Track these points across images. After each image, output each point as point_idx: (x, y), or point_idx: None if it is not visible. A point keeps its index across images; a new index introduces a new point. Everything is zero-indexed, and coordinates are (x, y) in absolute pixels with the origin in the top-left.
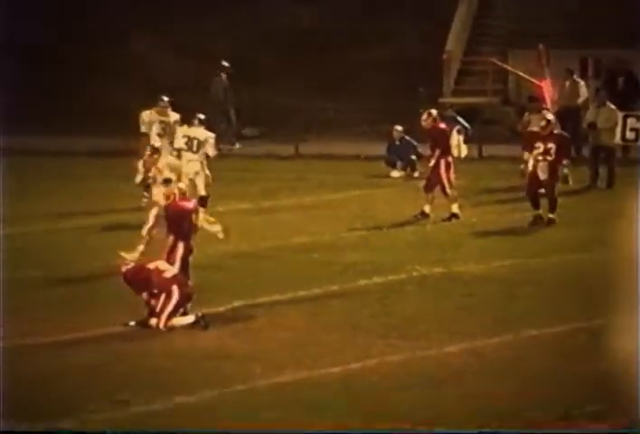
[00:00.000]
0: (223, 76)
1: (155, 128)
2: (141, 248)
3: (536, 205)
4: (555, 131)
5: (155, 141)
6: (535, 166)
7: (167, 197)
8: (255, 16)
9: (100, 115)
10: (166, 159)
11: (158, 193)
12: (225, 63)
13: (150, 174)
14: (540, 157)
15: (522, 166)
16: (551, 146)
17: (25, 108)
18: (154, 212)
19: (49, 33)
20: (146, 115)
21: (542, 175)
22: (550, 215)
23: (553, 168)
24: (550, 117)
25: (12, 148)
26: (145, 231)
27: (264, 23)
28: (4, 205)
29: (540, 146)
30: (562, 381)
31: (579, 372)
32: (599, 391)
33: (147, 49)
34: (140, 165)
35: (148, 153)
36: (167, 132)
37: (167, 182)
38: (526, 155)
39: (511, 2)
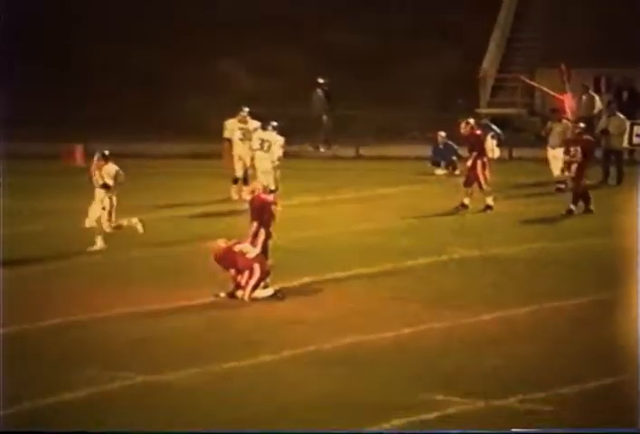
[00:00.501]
0: (320, 91)
1: (237, 134)
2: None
3: (574, 201)
4: (585, 137)
5: (237, 146)
6: (569, 165)
7: (252, 191)
8: (321, 42)
9: (190, 124)
10: (247, 160)
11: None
12: (321, 80)
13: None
14: (572, 159)
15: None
16: (579, 148)
17: (130, 118)
18: None
19: (140, 54)
20: (229, 123)
21: (574, 173)
22: (589, 206)
23: (580, 169)
24: (582, 125)
25: (120, 153)
26: None
27: (330, 46)
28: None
29: (574, 148)
30: (578, 342)
31: (592, 335)
32: (608, 349)
33: (232, 69)
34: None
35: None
36: (247, 137)
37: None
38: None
39: (537, 28)
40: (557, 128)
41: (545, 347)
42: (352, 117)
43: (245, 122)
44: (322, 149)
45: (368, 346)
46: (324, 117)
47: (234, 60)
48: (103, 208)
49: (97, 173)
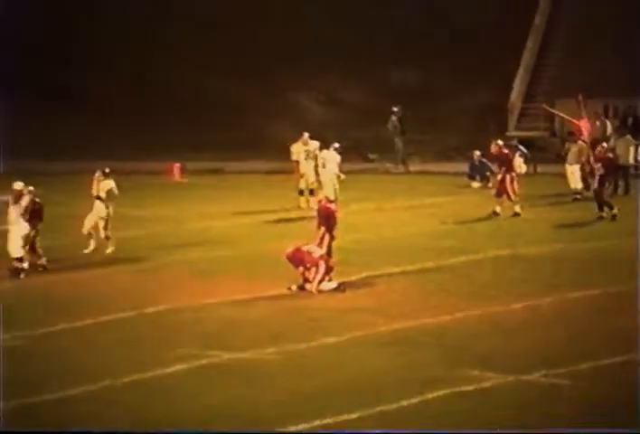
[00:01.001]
0: (394, 117)
1: (302, 155)
2: None
3: (601, 208)
4: (607, 155)
5: (302, 165)
6: (593, 178)
7: (319, 201)
8: (380, 78)
9: (270, 145)
10: (310, 176)
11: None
12: (395, 109)
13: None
14: (596, 172)
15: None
16: (600, 164)
17: (221, 141)
18: None
19: (232, 87)
20: (295, 147)
21: (596, 185)
22: (610, 212)
23: (602, 180)
24: (606, 145)
25: (212, 169)
26: None
27: (386, 82)
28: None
29: (597, 165)
30: (594, 327)
31: (606, 321)
32: (619, 333)
33: (305, 100)
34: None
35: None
36: (310, 156)
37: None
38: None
39: (555, 65)
40: (573, 148)
41: (566, 331)
42: (407, 140)
43: (306, 144)
44: (400, 168)
45: (415, 330)
46: (397, 140)
47: (308, 93)
48: (101, 217)
49: (95, 186)
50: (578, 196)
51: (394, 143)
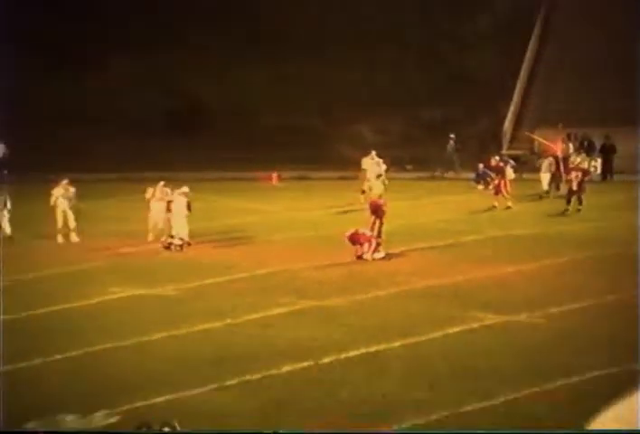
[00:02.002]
0: (451, 141)
1: (367, 165)
2: None
3: (569, 202)
4: (582, 166)
5: (366, 172)
6: (572, 182)
7: (370, 198)
8: (413, 114)
9: (340, 160)
10: (370, 182)
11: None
12: (452, 135)
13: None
14: (574, 179)
15: (567, 182)
16: (580, 173)
17: (305, 157)
18: None
19: (312, 119)
20: (364, 160)
21: (575, 187)
22: (579, 207)
23: (580, 184)
24: (580, 158)
25: (299, 177)
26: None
27: (417, 117)
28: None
29: (575, 173)
30: (565, 280)
31: (572, 279)
32: (593, 286)
33: (363, 129)
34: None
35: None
36: (373, 169)
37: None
38: (570, 176)
39: (533, 103)
40: (545, 162)
41: (543, 286)
42: (431, 157)
43: (373, 158)
44: (448, 173)
45: (439, 286)
46: (454, 157)
47: (364, 125)
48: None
49: (60, 192)
50: (546, 195)
51: (452, 159)
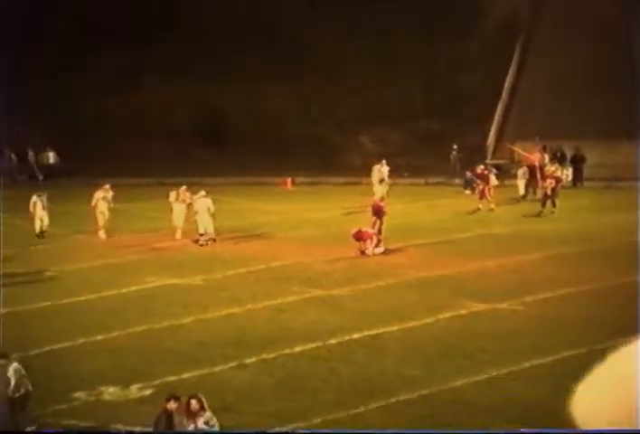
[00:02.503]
0: (454, 152)
1: (377, 172)
2: None
3: (544, 205)
4: (556, 174)
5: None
6: (547, 188)
7: (373, 201)
8: (412, 127)
9: (349, 167)
10: (374, 186)
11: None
12: (455, 146)
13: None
14: (549, 185)
15: (543, 188)
16: (554, 180)
17: (320, 165)
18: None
19: (331, 132)
20: (375, 167)
21: (550, 192)
22: (553, 209)
23: (554, 190)
24: (554, 167)
25: (311, 182)
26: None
27: (417, 129)
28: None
29: (550, 180)
30: (537, 275)
31: (546, 271)
32: (555, 277)
33: (366, 140)
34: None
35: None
36: (376, 175)
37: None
38: (545, 185)
39: (515, 122)
40: (521, 171)
41: (519, 277)
42: (425, 164)
43: (383, 166)
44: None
45: (432, 277)
46: (457, 166)
47: (366, 136)
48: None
49: (100, 195)
50: (522, 199)
51: (455, 167)
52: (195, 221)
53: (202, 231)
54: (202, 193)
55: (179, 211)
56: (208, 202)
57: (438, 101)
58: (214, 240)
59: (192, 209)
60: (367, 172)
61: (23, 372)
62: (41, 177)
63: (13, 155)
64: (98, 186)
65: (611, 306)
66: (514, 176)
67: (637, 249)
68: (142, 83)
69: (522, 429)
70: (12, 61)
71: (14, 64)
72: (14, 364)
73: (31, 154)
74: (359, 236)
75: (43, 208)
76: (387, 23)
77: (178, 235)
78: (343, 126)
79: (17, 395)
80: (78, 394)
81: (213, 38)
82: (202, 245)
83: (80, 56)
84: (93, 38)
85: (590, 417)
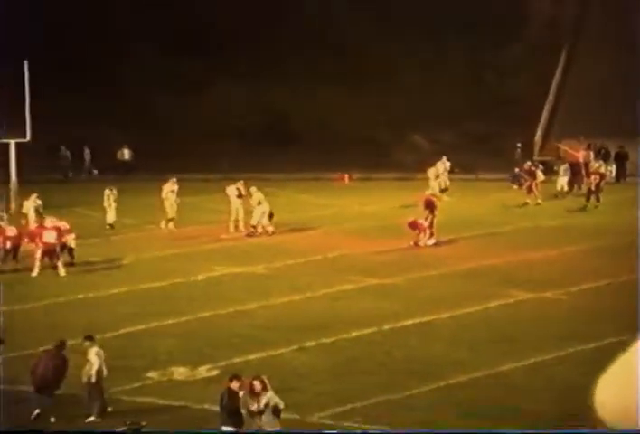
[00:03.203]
0: (518, 150)
1: (436, 169)
2: None
3: (588, 200)
4: (600, 170)
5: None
6: (591, 184)
7: (426, 195)
8: (455, 125)
9: (394, 164)
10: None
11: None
12: (519, 144)
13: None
14: (593, 181)
15: (587, 183)
16: (598, 176)
17: (369, 165)
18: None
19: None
20: (438, 163)
21: (594, 188)
22: (597, 203)
23: (598, 185)
24: (598, 164)
25: (365, 178)
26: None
27: (461, 128)
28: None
29: (594, 176)
30: (582, 266)
31: (591, 263)
32: (604, 269)
33: (415, 138)
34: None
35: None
36: (432, 171)
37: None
38: (590, 181)
39: (560, 121)
40: (562, 167)
41: (564, 268)
42: (475, 162)
43: (444, 163)
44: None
45: (479, 267)
46: (521, 162)
47: (419, 135)
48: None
49: (169, 188)
50: (565, 193)
51: (519, 163)
52: (251, 213)
53: (254, 222)
54: (253, 188)
55: (237, 203)
56: (259, 196)
57: (485, 103)
58: (273, 232)
59: (250, 202)
60: (419, 168)
61: (102, 354)
62: (95, 172)
63: (68, 153)
64: (165, 180)
65: None
66: (557, 173)
67: None
68: (214, 87)
69: (526, 430)
70: (95, 66)
71: (98, 68)
72: (97, 348)
73: (87, 151)
74: (414, 226)
75: (115, 201)
76: (434, 27)
77: (231, 228)
78: (395, 126)
79: (100, 376)
80: (151, 374)
81: (279, 47)
82: (251, 235)
83: (158, 62)
84: (172, 46)
85: (611, 407)
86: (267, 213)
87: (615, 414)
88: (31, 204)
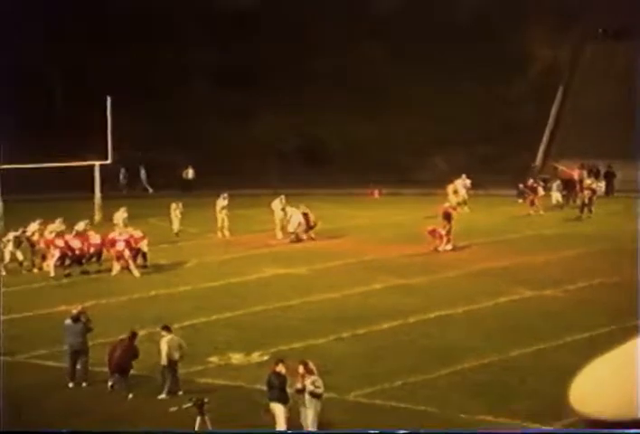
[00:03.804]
0: (533, 169)
1: (452, 188)
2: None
3: (581, 211)
4: (592, 186)
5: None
6: (584, 198)
7: (444, 207)
8: (467, 149)
9: (415, 181)
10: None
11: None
12: (533, 164)
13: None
14: (586, 195)
15: (581, 197)
16: (590, 192)
17: (388, 179)
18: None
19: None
20: (458, 181)
21: (587, 201)
22: (589, 214)
23: (590, 199)
24: (590, 181)
25: (395, 192)
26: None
27: (472, 151)
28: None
29: (587, 191)
30: (582, 267)
31: (588, 264)
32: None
33: (436, 159)
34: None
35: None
36: (450, 187)
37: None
38: (583, 195)
39: (558, 145)
40: (555, 184)
41: (564, 270)
42: (485, 180)
43: (464, 180)
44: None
45: (490, 268)
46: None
47: (438, 157)
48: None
49: (221, 203)
50: (560, 207)
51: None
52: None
53: (291, 229)
54: (281, 200)
55: (280, 215)
56: (293, 210)
57: (494, 130)
58: (313, 239)
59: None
60: (438, 185)
61: (175, 342)
62: (150, 190)
63: (126, 173)
64: (218, 195)
65: (634, 292)
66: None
67: None
68: (262, 116)
69: (522, 429)
70: (164, 98)
71: (165, 99)
72: (169, 337)
73: (142, 172)
74: (433, 233)
75: (180, 213)
76: (449, 67)
77: (279, 235)
78: (416, 149)
79: (171, 360)
80: (212, 359)
81: (317, 82)
82: (292, 241)
83: (215, 95)
84: (226, 80)
85: (588, 402)
86: (302, 223)
87: (593, 408)
88: (120, 216)
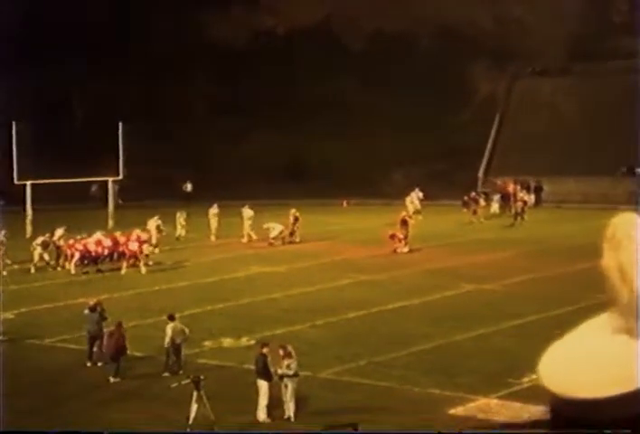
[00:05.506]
0: (499, 182)
1: (409, 200)
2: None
3: (515, 219)
4: (524, 198)
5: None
6: (517, 208)
7: (402, 215)
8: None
9: (386, 193)
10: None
11: None
12: (418, 190)
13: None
14: (520, 206)
15: (515, 207)
16: (522, 203)
17: (359, 192)
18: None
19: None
20: (407, 198)
21: (520, 210)
22: (522, 221)
23: (523, 209)
24: (522, 194)
25: (355, 202)
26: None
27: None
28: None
29: (520, 203)
30: (527, 267)
31: (532, 265)
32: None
33: (411, 175)
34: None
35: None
36: (407, 199)
37: None
38: (517, 205)
39: (496, 161)
40: (495, 196)
41: (500, 268)
42: (436, 192)
43: (417, 193)
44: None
45: (443, 268)
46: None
47: (397, 173)
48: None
49: (213, 211)
50: (498, 215)
51: (475, 193)
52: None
53: (272, 235)
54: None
55: (249, 218)
56: (271, 224)
57: (444, 151)
58: (290, 242)
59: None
60: (398, 196)
61: (178, 329)
62: (120, 202)
63: (97, 186)
64: (210, 205)
65: (559, 286)
66: (491, 200)
67: (577, 247)
68: (250, 139)
69: (519, 430)
70: (167, 126)
71: (168, 130)
72: (173, 324)
73: (113, 186)
74: (393, 237)
75: (184, 220)
76: (408, 97)
77: (245, 239)
78: (378, 166)
79: (173, 344)
80: (207, 343)
81: (295, 109)
82: (271, 244)
83: (210, 121)
84: (221, 109)
85: (558, 379)
86: (282, 231)
87: (561, 386)
88: (153, 223)
